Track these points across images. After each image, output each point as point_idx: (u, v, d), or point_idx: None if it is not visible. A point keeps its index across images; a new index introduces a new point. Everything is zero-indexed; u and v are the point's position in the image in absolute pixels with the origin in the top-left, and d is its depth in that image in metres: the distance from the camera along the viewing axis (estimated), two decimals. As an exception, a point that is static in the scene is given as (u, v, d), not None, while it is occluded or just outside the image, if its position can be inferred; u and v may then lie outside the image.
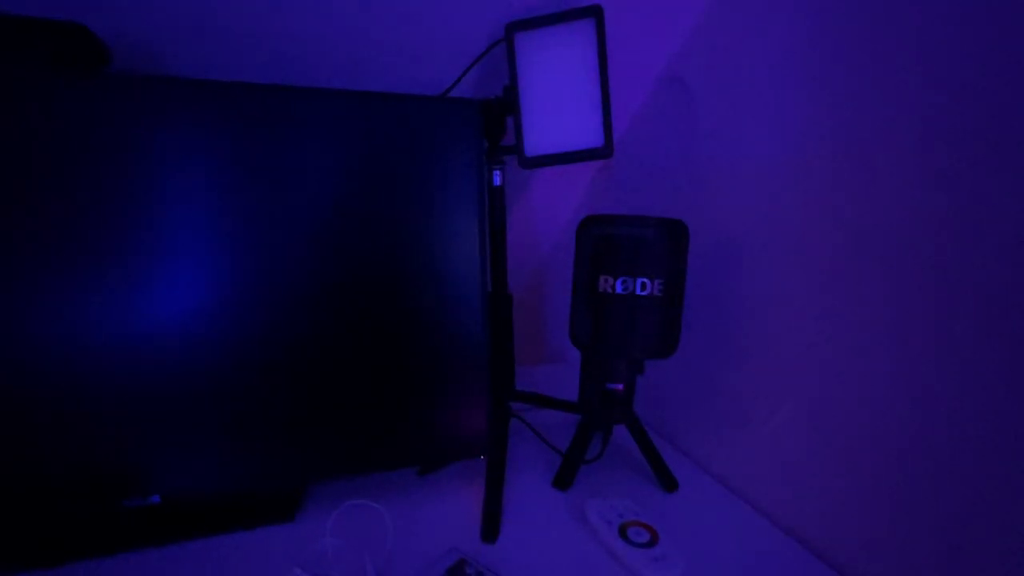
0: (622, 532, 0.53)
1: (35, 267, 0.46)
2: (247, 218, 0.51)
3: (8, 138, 0.44)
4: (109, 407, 0.50)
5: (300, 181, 0.52)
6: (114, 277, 0.48)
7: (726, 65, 0.64)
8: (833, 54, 0.51)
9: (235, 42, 0.56)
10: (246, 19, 0.54)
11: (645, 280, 0.55)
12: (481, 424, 0.61)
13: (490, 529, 0.54)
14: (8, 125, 0.44)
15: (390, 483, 0.63)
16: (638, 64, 0.73)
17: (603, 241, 0.57)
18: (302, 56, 0.58)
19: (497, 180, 0.66)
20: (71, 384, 0.49)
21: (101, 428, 0.50)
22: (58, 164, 0.46)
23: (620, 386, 0.59)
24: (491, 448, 0.64)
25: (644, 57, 0.73)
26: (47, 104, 0.44)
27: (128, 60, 0.52)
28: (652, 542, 0.51)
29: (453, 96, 0.66)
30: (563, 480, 0.63)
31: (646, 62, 0.74)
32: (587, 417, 0.65)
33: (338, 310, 0.55)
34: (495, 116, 0.63)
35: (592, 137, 0.61)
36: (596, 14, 0.58)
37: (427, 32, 0.64)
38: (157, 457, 0.52)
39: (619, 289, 0.56)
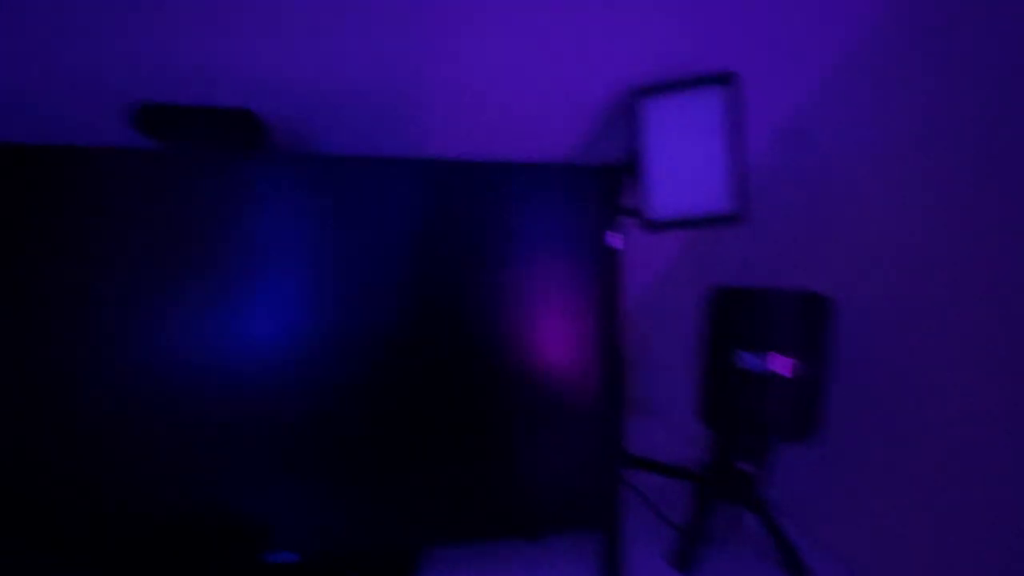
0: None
1: (186, 323, 0.50)
2: (377, 278, 0.53)
3: (177, 203, 0.49)
4: (249, 463, 0.53)
5: (430, 245, 0.54)
6: (263, 337, 0.51)
7: (862, 122, 0.60)
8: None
9: (372, 117, 0.59)
10: (384, 95, 0.57)
11: (783, 357, 0.52)
12: (597, 493, 0.60)
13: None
14: (180, 194, 0.49)
15: (500, 551, 0.62)
16: (757, 117, 0.71)
17: (737, 313, 0.54)
18: (429, 124, 0.61)
19: (615, 243, 0.65)
20: (222, 441, 0.52)
21: (246, 484, 0.53)
22: (213, 224, 0.50)
23: (750, 467, 0.56)
24: (607, 519, 0.62)
25: (764, 110, 0.70)
26: (215, 178, 0.49)
27: (285, 136, 0.56)
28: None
29: (573, 161, 0.66)
30: (684, 560, 0.59)
31: (766, 115, 0.71)
32: (710, 493, 0.62)
33: (462, 374, 0.56)
34: (616, 179, 0.62)
35: (722, 202, 0.59)
36: (727, 81, 0.56)
37: (543, 96, 0.64)
38: (288, 513, 0.54)
39: (753, 365, 0.53)
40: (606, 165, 0.62)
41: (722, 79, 0.56)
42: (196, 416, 0.51)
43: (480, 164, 0.56)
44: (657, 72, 0.62)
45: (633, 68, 0.63)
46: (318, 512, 0.55)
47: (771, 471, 0.59)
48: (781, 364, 0.51)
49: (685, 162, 0.59)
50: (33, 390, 0.49)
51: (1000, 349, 0.47)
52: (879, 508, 0.58)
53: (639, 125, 0.60)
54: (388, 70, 0.55)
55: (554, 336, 0.58)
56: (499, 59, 0.57)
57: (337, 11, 0.50)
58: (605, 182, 0.60)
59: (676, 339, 0.82)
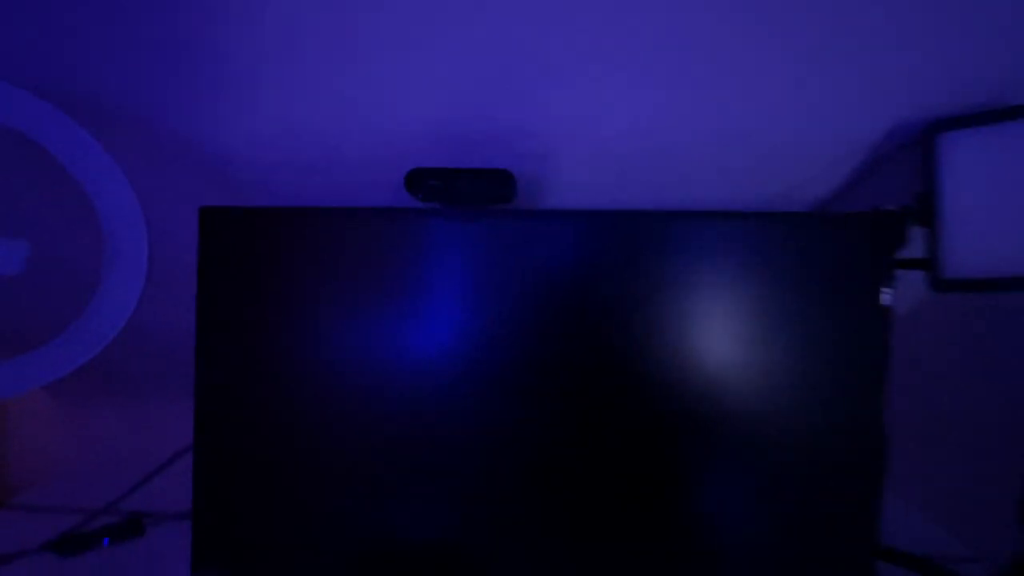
0: None
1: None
2: (624, 333, 0.53)
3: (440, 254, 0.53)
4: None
5: (679, 298, 0.52)
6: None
7: None
8: None
9: (606, 169, 0.58)
10: (630, 144, 0.56)
11: None
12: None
13: None
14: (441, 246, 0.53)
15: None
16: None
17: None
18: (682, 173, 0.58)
19: (888, 300, 0.56)
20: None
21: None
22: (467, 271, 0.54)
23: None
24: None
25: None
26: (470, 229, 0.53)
27: (527, 193, 0.58)
28: None
29: (840, 209, 0.58)
30: None
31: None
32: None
33: (706, 444, 0.52)
34: (896, 227, 0.53)
35: (1056, 260, 0.46)
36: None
37: (808, 138, 0.57)
38: (523, 553, 0.56)
39: None
40: (885, 211, 0.53)
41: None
42: (444, 459, 0.55)
43: (728, 215, 0.52)
44: (951, 104, 0.51)
45: (919, 99, 0.53)
46: (542, 555, 0.55)
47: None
48: None
49: (1005, 209, 0.48)
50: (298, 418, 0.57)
51: None
52: None
53: (933, 165, 0.50)
54: (642, 123, 0.54)
55: (806, 407, 0.51)
56: (757, 102, 0.53)
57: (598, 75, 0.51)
58: (883, 231, 0.51)
59: (940, 415, 0.68)
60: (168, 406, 0.73)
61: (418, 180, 0.56)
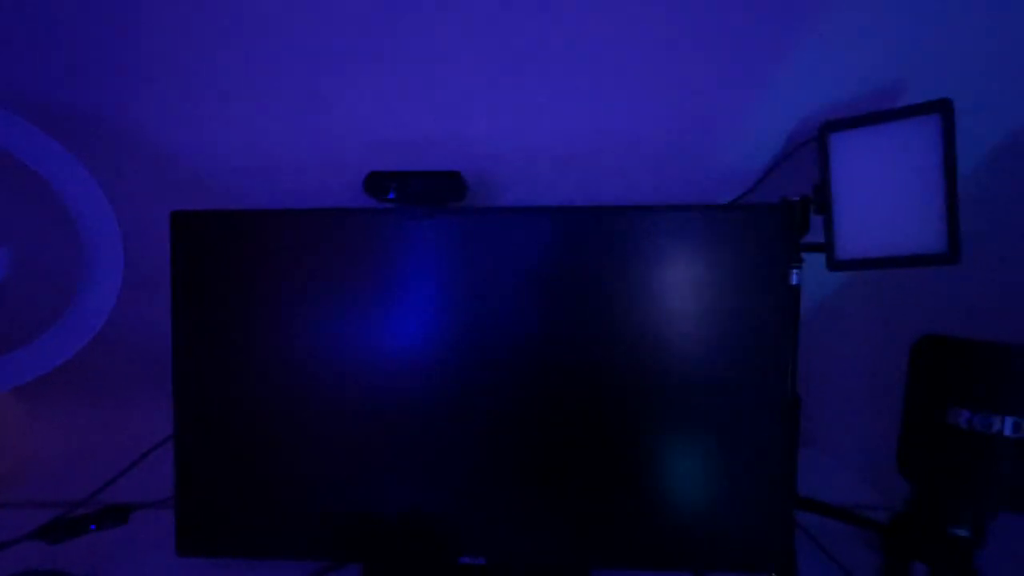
0: None
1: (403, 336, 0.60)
2: (570, 315, 0.59)
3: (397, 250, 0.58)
4: (449, 475, 0.61)
5: (613, 284, 0.58)
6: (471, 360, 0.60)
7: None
8: None
9: (547, 170, 0.64)
10: (565, 150, 0.62)
11: (1016, 419, 0.46)
12: (768, 532, 0.59)
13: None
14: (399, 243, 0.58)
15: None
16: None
17: (955, 366, 0.50)
18: (606, 174, 0.64)
19: (794, 280, 0.63)
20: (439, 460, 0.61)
21: (448, 494, 0.61)
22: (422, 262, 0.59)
23: (966, 532, 0.51)
24: (780, 559, 0.61)
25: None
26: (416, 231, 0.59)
27: (477, 192, 0.64)
28: None
29: (753, 200, 0.65)
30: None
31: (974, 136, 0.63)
32: (908, 552, 0.57)
33: (639, 405, 0.59)
34: (798, 216, 0.60)
35: (927, 241, 0.54)
36: (943, 110, 0.52)
37: (724, 137, 0.64)
38: (479, 523, 0.62)
39: (975, 426, 0.48)
40: (787, 201, 0.60)
41: (937, 106, 0.52)
42: (414, 438, 0.61)
43: (657, 209, 0.59)
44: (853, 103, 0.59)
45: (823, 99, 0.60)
46: (502, 524, 0.61)
47: (987, 540, 0.53)
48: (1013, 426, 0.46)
49: (885, 198, 0.55)
50: (280, 391, 0.61)
51: None
52: None
53: (827, 162, 0.57)
54: (568, 126, 0.60)
55: (729, 370, 0.58)
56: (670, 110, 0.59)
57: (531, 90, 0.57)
58: (786, 219, 0.59)
59: (852, 378, 0.76)
60: (142, 403, 0.76)
61: (376, 182, 0.61)
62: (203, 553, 0.64)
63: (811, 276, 0.59)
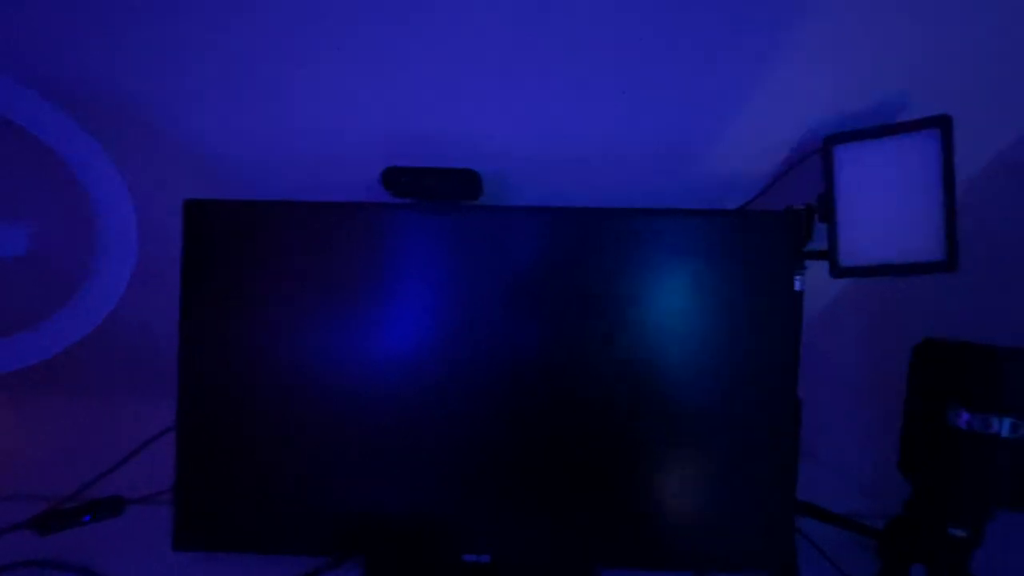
0: None
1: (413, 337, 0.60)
2: (571, 318, 0.60)
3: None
4: (455, 472, 0.61)
5: (616, 286, 0.60)
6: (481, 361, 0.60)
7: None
8: None
9: (562, 171, 0.66)
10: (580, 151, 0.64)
11: (1012, 420, 0.48)
12: (769, 536, 0.60)
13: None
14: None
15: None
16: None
17: (955, 369, 0.52)
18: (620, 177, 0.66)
19: (798, 285, 0.65)
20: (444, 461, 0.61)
21: (456, 493, 0.61)
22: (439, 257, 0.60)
23: (963, 532, 0.52)
24: (781, 562, 0.62)
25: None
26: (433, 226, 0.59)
27: (492, 191, 0.65)
28: None
29: (759, 207, 0.67)
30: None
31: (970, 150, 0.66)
32: (905, 556, 0.58)
33: (646, 411, 0.60)
34: (803, 224, 0.62)
35: (926, 249, 0.56)
36: (941, 125, 0.54)
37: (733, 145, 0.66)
38: (489, 520, 0.62)
39: (973, 426, 0.50)
40: (792, 210, 0.62)
41: (937, 122, 0.55)
42: (420, 434, 0.60)
43: (664, 212, 0.60)
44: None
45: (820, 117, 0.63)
46: (506, 522, 0.61)
47: (983, 540, 0.54)
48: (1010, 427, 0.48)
49: (887, 208, 0.58)
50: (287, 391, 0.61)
51: None
52: None
53: (831, 173, 0.59)
54: (590, 129, 0.61)
55: (733, 373, 0.60)
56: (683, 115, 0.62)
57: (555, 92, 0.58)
58: (791, 227, 0.61)
59: (852, 382, 0.78)
60: (133, 399, 0.75)
61: (393, 178, 0.61)
62: (202, 547, 0.62)
63: (812, 282, 0.61)
